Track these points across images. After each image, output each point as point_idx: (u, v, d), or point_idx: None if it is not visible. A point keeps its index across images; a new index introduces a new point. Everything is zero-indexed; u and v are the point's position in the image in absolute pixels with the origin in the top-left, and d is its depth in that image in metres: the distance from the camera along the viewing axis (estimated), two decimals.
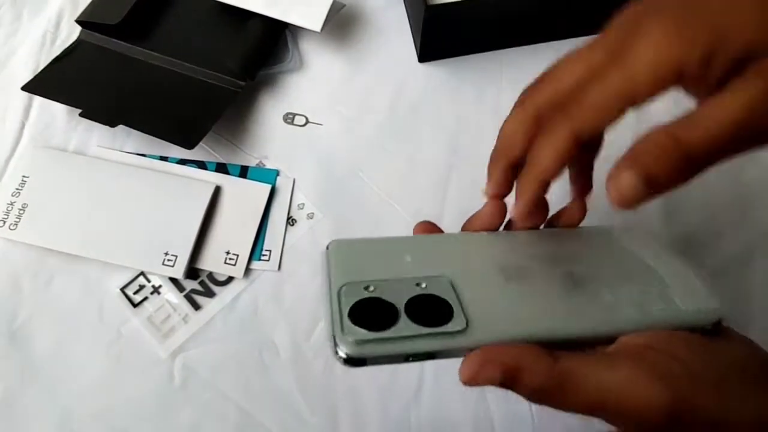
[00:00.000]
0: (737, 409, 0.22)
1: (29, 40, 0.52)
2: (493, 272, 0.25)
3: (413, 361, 0.21)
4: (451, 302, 0.22)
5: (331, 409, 0.42)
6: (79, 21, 0.50)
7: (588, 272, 0.26)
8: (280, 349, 0.43)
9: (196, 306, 0.44)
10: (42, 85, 0.47)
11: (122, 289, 0.44)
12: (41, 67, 0.49)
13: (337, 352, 0.21)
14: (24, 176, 0.46)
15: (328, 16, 0.48)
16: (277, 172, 0.48)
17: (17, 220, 0.44)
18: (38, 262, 0.44)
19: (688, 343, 0.23)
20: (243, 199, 0.47)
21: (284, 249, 0.46)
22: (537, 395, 0.22)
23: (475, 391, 0.42)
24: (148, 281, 0.44)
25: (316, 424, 0.42)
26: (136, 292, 0.44)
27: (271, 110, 0.51)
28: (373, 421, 0.42)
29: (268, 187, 0.47)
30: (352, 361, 0.21)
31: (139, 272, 0.45)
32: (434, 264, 0.24)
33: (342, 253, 0.25)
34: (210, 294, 0.44)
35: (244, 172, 0.48)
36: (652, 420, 0.21)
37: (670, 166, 0.20)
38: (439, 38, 0.51)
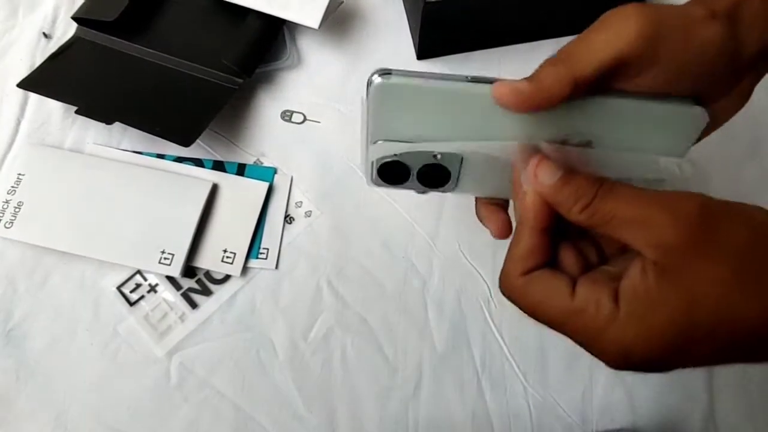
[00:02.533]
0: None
1: (25, 36, 0.52)
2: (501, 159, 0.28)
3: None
4: (452, 173, 0.29)
5: (329, 407, 0.42)
6: (75, 17, 0.50)
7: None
8: (278, 347, 0.43)
9: (193, 304, 0.44)
10: (38, 82, 0.47)
11: (118, 288, 0.44)
12: (37, 64, 0.49)
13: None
14: (19, 174, 0.45)
15: (326, 12, 0.48)
16: (274, 170, 0.48)
17: (13, 218, 0.44)
18: (34, 261, 0.44)
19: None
20: (240, 197, 0.46)
21: (282, 247, 0.46)
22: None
23: (474, 389, 0.42)
24: (145, 280, 0.44)
25: (314, 423, 0.41)
26: (132, 291, 0.44)
27: (268, 108, 0.50)
28: (372, 420, 0.42)
29: (266, 185, 0.47)
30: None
31: (135, 271, 0.44)
32: (462, 132, 0.27)
33: (383, 100, 0.27)
34: (207, 292, 0.44)
35: (241, 169, 0.48)
36: (685, 208, 0.22)
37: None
38: (437, 35, 0.50)
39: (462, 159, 0.28)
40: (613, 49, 0.24)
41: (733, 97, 0.28)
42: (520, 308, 0.26)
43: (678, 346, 0.22)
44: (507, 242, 0.28)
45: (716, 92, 0.27)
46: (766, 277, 0.21)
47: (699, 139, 0.28)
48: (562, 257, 0.27)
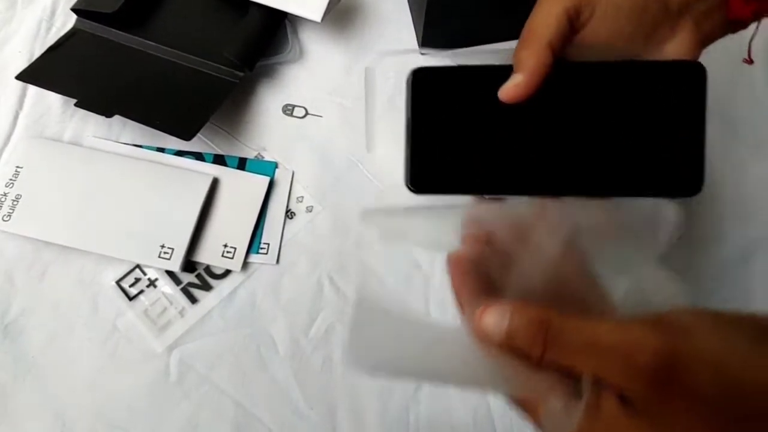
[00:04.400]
0: (750, 362, 0.21)
1: (24, 28, 0.51)
2: None
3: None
4: None
5: (329, 404, 0.41)
6: (74, 9, 0.49)
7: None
8: (278, 343, 0.43)
9: (193, 299, 0.43)
10: (37, 74, 0.47)
11: (118, 282, 0.43)
12: (36, 56, 0.48)
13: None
14: (18, 167, 0.45)
15: (328, 5, 0.48)
16: (275, 165, 0.47)
17: (11, 211, 0.43)
18: (32, 255, 0.44)
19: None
20: (241, 192, 0.46)
21: (283, 242, 0.45)
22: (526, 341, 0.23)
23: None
24: (144, 274, 0.44)
25: (315, 420, 0.41)
26: (131, 285, 0.43)
27: (270, 101, 0.50)
28: (372, 418, 0.41)
29: (267, 179, 0.46)
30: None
31: (134, 265, 0.44)
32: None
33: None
34: (207, 287, 0.44)
35: (242, 164, 0.47)
36: (639, 360, 0.20)
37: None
38: (440, 28, 0.50)
39: None
40: (559, 8, 0.28)
41: (677, 44, 0.30)
42: None
43: None
44: None
45: (659, 35, 0.30)
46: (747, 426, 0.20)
47: None
48: None
